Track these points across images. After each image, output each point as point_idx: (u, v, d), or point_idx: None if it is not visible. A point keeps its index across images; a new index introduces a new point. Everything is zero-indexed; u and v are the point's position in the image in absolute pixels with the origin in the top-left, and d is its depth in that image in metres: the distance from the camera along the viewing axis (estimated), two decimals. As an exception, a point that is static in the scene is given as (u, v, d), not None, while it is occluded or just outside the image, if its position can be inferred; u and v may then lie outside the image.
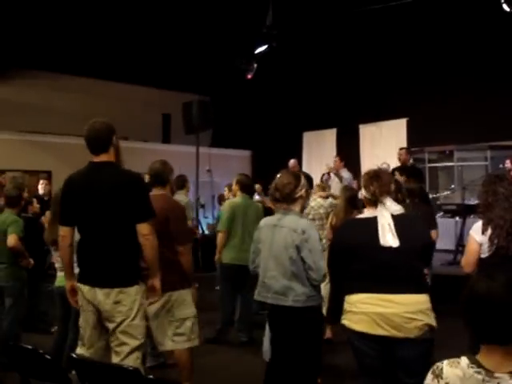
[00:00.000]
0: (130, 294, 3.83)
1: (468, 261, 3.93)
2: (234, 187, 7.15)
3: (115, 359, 3.87)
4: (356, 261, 3.51)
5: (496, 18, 10.48)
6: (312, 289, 4.01)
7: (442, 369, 2.13)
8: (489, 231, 3.81)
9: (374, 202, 3.56)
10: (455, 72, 12.19)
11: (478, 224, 3.92)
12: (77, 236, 4.04)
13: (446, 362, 2.15)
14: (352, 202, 6.68)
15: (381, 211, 3.52)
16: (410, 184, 6.90)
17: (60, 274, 5.19)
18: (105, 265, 3.85)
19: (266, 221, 4.38)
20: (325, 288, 4.96)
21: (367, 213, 3.62)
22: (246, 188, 7.08)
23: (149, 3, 11.24)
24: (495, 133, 11.17)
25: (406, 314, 3.29)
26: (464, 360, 2.10)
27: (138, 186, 3.92)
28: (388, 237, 3.43)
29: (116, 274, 3.84)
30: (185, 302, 4.76)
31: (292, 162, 11.33)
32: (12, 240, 5.64)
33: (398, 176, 7.70)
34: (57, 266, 5.32)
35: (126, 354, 3.85)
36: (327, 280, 4.93)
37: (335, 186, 9.91)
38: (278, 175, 4.28)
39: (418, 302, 3.33)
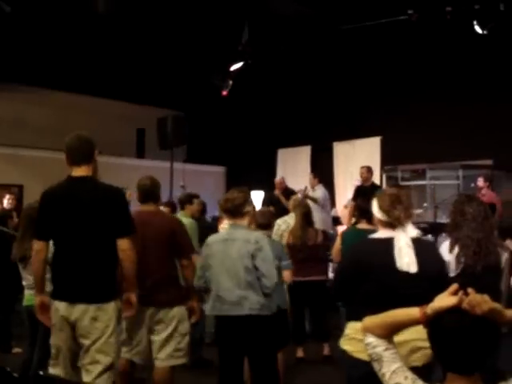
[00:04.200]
0: (107, 311, 3.79)
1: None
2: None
3: (86, 377, 3.80)
4: (365, 282, 3.37)
5: (469, 40, 10.68)
6: (265, 298, 4.16)
7: None
8: (456, 250, 3.85)
9: (391, 223, 3.41)
10: (429, 92, 12.37)
11: (446, 243, 3.97)
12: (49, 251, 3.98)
13: None
14: (307, 219, 6.71)
15: (399, 233, 3.36)
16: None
17: (28, 293, 5.05)
18: (82, 280, 3.80)
19: (214, 237, 4.51)
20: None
21: (381, 233, 3.48)
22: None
23: (124, 18, 11.22)
24: (467, 152, 11.32)
25: (417, 343, 3.12)
26: None
27: (118, 200, 3.91)
28: (405, 260, 3.27)
29: (94, 289, 3.80)
30: (185, 316, 4.77)
31: (278, 178, 11.39)
32: None
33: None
34: (24, 283, 5.16)
35: (98, 373, 3.78)
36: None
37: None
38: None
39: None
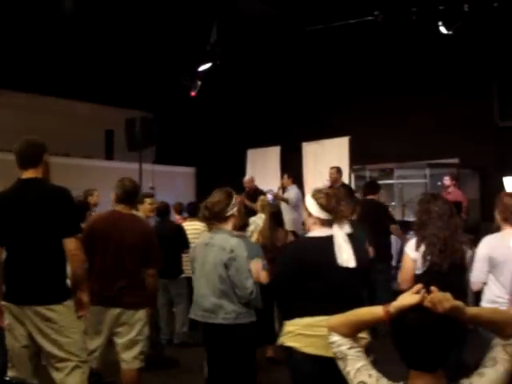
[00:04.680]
0: (59, 312, 3.76)
1: (404, 277, 4.01)
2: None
3: (58, 375, 3.81)
4: (311, 280, 3.47)
5: (435, 40, 10.81)
6: (242, 306, 4.07)
7: None
8: (422, 248, 3.90)
9: (329, 221, 3.56)
10: (396, 92, 12.50)
11: (413, 241, 4.02)
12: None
13: (385, 383, 2.18)
14: (276, 219, 6.73)
15: (337, 231, 3.52)
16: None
17: None
18: (32, 282, 3.79)
19: (199, 240, 4.48)
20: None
21: (318, 231, 3.61)
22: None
23: (91, 18, 11.13)
24: (434, 151, 11.47)
25: None
26: None
27: (64, 200, 3.89)
28: (345, 257, 3.43)
29: (43, 290, 3.78)
30: (147, 320, 4.78)
31: (247, 178, 11.40)
32: None
33: None
34: None
35: (70, 370, 3.79)
36: None
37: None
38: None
39: None
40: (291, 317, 3.55)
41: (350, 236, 3.57)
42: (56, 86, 13.07)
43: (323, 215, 3.58)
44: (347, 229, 3.58)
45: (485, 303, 4.25)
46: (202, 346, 4.34)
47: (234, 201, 4.24)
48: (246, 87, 14.46)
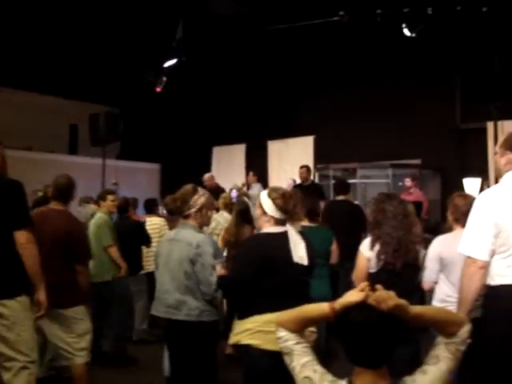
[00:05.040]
0: (12, 307, 3.70)
1: (358, 276, 4.05)
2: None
3: (5, 375, 3.74)
4: (269, 276, 3.49)
5: (399, 42, 10.95)
6: (205, 303, 4.02)
7: None
8: (377, 247, 3.95)
9: (282, 221, 3.61)
10: (360, 92, 12.63)
11: (367, 240, 4.07)
12: None
13: (330, 379, 2.21)
14: (244, 216, 6.72)
15: (290, 229, 3.58)
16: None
17: None
18: None
19: (165, 236, 4.50)
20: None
21: (273, 228, 3.64)
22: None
23: (57, 10, 10.99)
24: (396, 152, 11.63)
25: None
26: (344, 383, 2.18)
27: (13, 192, 3.83)
28: (300, 254, 3.50)
29: None
30: (83, 316, 4.72)
31: (207, 176, 11.37)
32: None
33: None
34: None
35: (17, 370, 3.72)
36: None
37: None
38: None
39: None
40: (249, 314, 3.54)
41: (302, 234, 3.63)
42: (18, 77, 12.87)
43: (278, 215, 3.62)
44: (299, 227, 3.65)
45: (436, 302, 4.32)
46: (161, 344, 4.31)
47: (196, 196, 4.20)
48: (213, 84, 14.45)
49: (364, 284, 2.19)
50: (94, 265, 5.95)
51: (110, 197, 6.92)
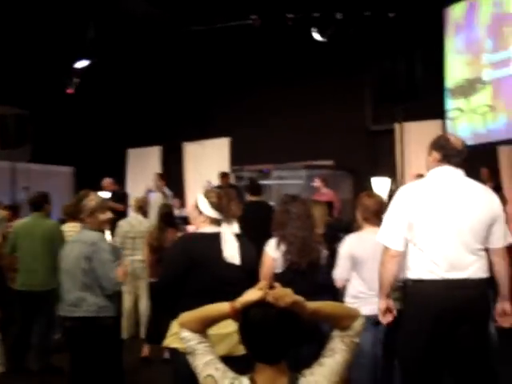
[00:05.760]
0: None
1: (264, 275, 4.12)
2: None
3: None
4: (198, 277, 3.50)
5: (311, 46, 11.19)
6: (104, 299, 4.19)
7: None
8: (282, 248, 4.04)
9: (218, 221, 3.63)
10: (275, 95, 12.78)
11: (273, 240, 4.16)
12: None
13: (231, 376, 2.26)
14: (167, 220, 6.71)
15: (225, 229, 3.60)
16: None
17: None
18: None
19: (71, 238, 4.68)
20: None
21: (208, 228, 3.65)
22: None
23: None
24: (310, 153, 11.86)
25: None
26: (245, 379, 2.22)
27: None
28: (231, 253, 3.52)
29: None
30: None
31: (105, 181, 11.12)
32: None
33: None
34: None
35: None
36: None
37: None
38: None
39: None
40: (177, 316, 3.52)
41: (238, 236, 3.64)
42: None
43: (213, 214, 3.64)
44: (235, 228, 3.66)
45: (348, 298, 4.44)
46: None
47: (87, 201, 4.33)
48: (127, 86, 14.25)
49: (262, 283, 2.26)
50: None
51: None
